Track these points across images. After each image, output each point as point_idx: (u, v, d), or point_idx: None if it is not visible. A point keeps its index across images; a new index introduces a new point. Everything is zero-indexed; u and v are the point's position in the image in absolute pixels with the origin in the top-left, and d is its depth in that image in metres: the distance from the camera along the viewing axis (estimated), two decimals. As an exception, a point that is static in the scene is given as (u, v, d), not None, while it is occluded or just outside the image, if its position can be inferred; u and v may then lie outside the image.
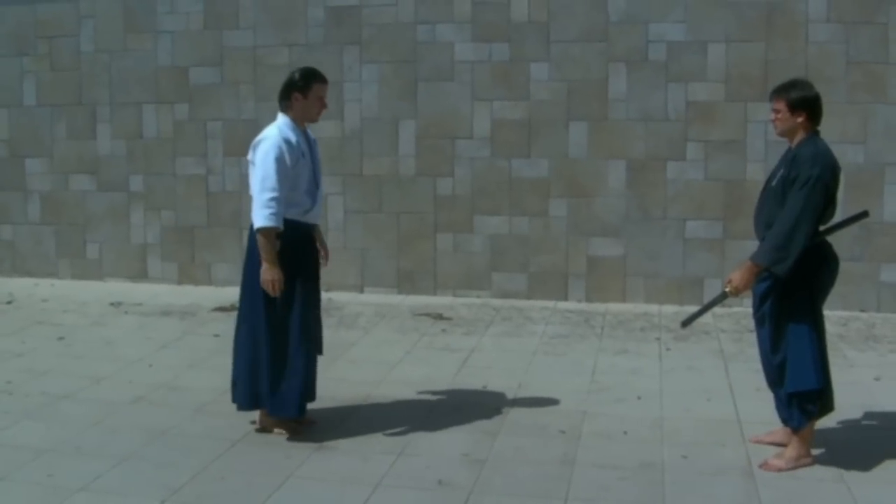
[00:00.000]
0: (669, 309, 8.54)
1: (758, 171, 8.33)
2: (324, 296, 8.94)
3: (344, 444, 5.24)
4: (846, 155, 8.40)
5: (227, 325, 7.95)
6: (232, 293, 9.19)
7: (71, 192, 10.00)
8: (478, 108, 9.03)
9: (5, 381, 6.38)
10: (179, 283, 9.80)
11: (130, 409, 5.85)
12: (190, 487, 4.62)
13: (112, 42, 9.75)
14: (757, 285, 4.89)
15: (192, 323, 8.16)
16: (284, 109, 5.33)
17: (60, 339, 7.60)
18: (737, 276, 4.82)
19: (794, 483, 4.66)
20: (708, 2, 8.54)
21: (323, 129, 9.35)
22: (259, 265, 5.19)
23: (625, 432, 5.40)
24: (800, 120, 4.84)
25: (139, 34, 9.68)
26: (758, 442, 5.19)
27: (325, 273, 9.21)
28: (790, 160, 4.81)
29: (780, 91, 4.90)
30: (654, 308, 8.63)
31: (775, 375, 4.93)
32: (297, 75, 5.32)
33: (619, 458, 5.01)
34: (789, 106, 4.83)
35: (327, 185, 9.37)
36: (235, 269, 9.59)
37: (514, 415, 5.72)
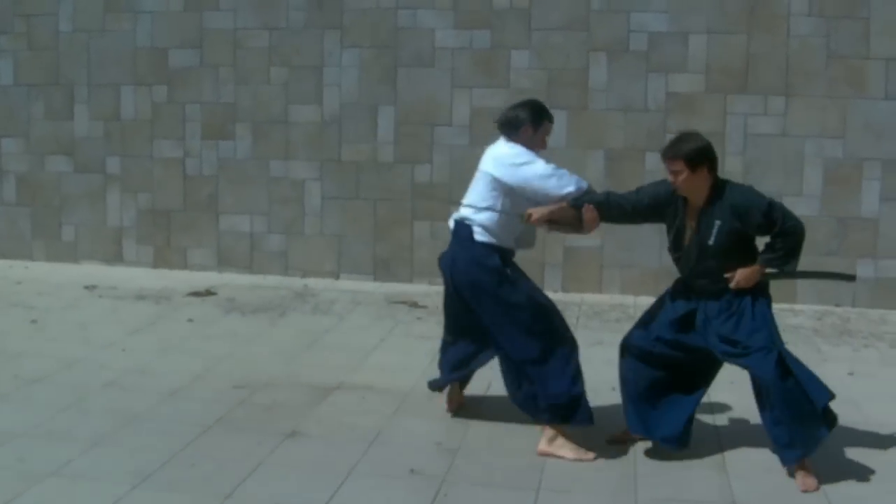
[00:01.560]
0: (645, 300, 8.50)
1: (736, 163, 8.35)
2: (299, 282, 9.03)
3: (316, 431, 5.22)
4: (825, 149, 8.44)
5: (202, 311, 7.94)
6: (207, 278, 9.21)
7: (47, 173, 9.90)
8: (457, 95, 9.00)
9: (-24, 363, 6.33)
10: (155, 266, 9.73)
11: (103, 392, 5.81)
12: (161, 473, 4.59)
13: (91, 22, 9.64)
14: (732, 330, 4.76)
15: (166, 307, 8.10)
16: (509, 136, 5.25)
17: (33, 321, 7.54)
18: (745, 273, 4.70)
19: (766, 476, 4.68)
20: (690, -7, 8.55)
21: (301, 114, 9.32)
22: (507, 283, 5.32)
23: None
24: (703, 173, 4.73)
25: (118, 14, 9.58)
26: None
27: (301, 259, 9.29)
28: (729, 214, 4.69)
29: (673, 150, 4.72)
30: (629, 299, 8.63)
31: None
32: (526, 112, 5.20)
33: (592, 448, 5.01)
34: (689, 164, 4.67)
35: (305, 170, 9.36)
36: (211, 254, 9.58)
37: (487, 404, 5.71)
